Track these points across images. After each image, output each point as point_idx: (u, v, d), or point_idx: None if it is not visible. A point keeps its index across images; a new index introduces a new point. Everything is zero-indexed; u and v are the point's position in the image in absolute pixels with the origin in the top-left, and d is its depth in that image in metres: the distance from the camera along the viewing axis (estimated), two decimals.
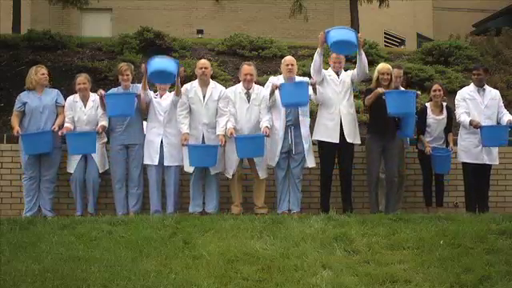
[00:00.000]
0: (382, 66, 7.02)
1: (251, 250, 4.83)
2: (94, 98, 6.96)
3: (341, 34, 6.54)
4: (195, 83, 6.89)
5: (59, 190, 7.15)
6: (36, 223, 5.81)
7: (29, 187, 6.84)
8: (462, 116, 7.03)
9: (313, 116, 7.07)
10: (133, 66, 7.15)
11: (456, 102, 7.22)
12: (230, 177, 6.86)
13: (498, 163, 7.18)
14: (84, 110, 6.92)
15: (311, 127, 6.97)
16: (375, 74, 6.96)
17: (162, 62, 6.62)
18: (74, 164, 6.91)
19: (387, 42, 18.43)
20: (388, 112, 6.59)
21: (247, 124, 6.82)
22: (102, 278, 4.26)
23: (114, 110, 6.59)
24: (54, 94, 6.98)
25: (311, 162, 6.86)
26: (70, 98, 6.99)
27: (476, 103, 7.09)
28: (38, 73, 6.91)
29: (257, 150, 6.60)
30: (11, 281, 4.22)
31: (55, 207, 7.02)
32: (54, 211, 6.93)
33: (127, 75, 6.94)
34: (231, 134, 6.62)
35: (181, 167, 6.92)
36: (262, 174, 6.87)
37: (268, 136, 6.66)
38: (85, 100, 6.96)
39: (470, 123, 6.91)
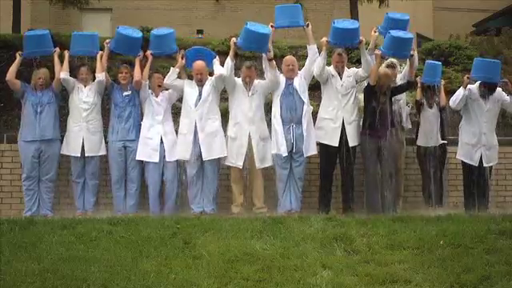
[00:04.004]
0: (385, 74, 6.94)
1: (251, 250, 4.83)
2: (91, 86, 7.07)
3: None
4: (193, 83, 6.92)
5: (59, 189, 7.16)
6: (36, 223, 5.80)
7: (28, 187, 6.85)
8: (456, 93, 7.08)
9: (314, 116, 7.06)
10: (129, 67, 7.16)
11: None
12: (241, 167, 6.78)
13: (496, 162, 7.18)
14: (83, 90, 7.01)
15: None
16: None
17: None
18: (73, 145, 6.90)
19: None
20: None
21: (249, 112, 6.77)
22: (101, 278, 4.26)
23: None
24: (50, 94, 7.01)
25: (313, 149, 6.83)
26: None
27: (479, 104, 7.09)
28: (35, 77, 7.02)
29: (261, 44, 6.72)
30: (11, 281, 4.22)
31: (55, 207, 7.03)
32: (54, 211, 6.94)
33: (125, 73, 7.05)
34: (233, 42, 6.78)
35: (180, 163, 6.91)
36: (260, 164, 6.80)
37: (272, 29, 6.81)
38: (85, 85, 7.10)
39: (464, 86, 7.00)
